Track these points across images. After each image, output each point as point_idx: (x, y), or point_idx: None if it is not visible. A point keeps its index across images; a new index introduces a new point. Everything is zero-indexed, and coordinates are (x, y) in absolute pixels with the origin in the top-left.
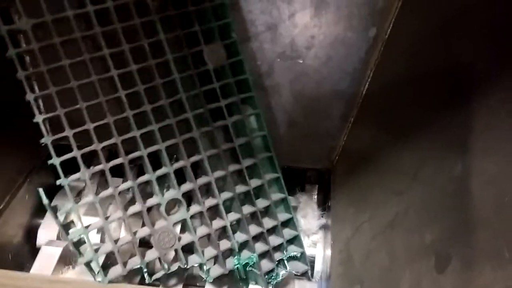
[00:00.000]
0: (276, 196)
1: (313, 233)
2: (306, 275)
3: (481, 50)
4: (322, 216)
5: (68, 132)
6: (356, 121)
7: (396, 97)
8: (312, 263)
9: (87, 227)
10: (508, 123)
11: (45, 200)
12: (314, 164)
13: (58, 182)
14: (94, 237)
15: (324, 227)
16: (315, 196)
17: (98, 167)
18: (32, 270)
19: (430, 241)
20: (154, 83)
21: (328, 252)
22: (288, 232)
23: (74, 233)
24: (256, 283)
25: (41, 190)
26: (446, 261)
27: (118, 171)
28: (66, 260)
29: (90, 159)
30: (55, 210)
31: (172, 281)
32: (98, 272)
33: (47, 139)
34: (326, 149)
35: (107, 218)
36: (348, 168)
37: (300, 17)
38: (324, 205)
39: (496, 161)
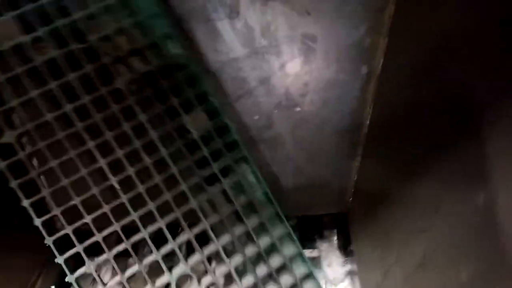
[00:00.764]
0: (290, 250)
1: (340, 281)
2: None
3: (475, 74)
4: (346, 262)
5: (68, 230)
6: (364, 159)
7: (401, 130)
8: None
9: None
10: None
11: None
12: (329, 209)
13: (66, 279)
14: None
15: (350, 273)
16: (336, 242)
17: (102, 258)
18: None
19: (467, 279)
20: (144, 164)
21: None
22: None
23: None
24: None
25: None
26: None
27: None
28: None
29: (98, 247)
30: None
31: None
32: None
33: (48, 240)
34: (338, 191)
35: None
36: (364, 208)
37: (290, 66)
38: (346, 249)
39: None
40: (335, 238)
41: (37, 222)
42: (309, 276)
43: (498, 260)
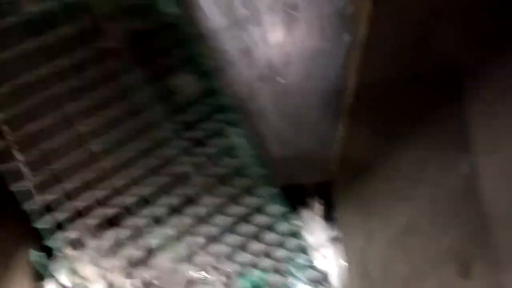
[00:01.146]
0: (276, 211)
1: (323, 247)
2: (321, 282)
3: (463, 45)
4: (329, 229)
5: (47, 196)
6: (348, 129)
7: (386, 100)
8: (325, 276)
9: (86, 280)
10: (507, 117)
11: (37, 262)
12: (314, 178)
13: (47, 243)
14: None
15: (333, 240)
16: (319, 210)
17: (83, 223)
18: None
19: (448, 245)
20: (131, 125)
21: (341, 263)
22: (294, 243)
23: None
24: None
25: (34, 252)
26: (469, 265)
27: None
28: None
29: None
30: (50, 272)
31: None
32: None
33: (27, 206)
34: (323, 161)
35: (108, 270)
36: (348, 177)
37: (272, 36)
38: (329, 217)
39: (503, 157)
40: (318, 206)
41: (14, 188)
42: (294, 233)
43: (479, 225)
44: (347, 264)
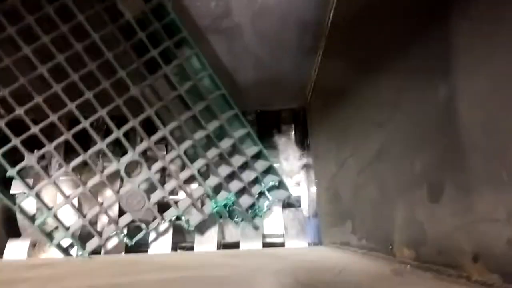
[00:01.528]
0: (239, 132)
1: (296, 173)
2: (289, 201)
3: None
4: (303, 156)
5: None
6: (326, 53)
7: (365, 22)
8: (298, 202)
9: (50, 208)
10: (494, 34)
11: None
12: (288, 104)
13: (7, 174)
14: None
15: (306, 166)
16: (293, 137)
17: (42, 150)
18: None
19: (420, 170)
20: (74, 50)
21: (313, 190)
22: (260, 164)
23: (39, 218)
24: (242, 219)
25: None
26: (440, 189)
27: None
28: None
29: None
30: (13, 200)
31: (160, 241)
32: (76, 247)
33: None
34: (298, 86)
35: (68, 196)
36: (323, 103)
37: None
38: (303, 144)
39: (484, 80)
40: (293, 133)
41: None
42: (259, 154)
43: (453, 150)
44: (318, 189)
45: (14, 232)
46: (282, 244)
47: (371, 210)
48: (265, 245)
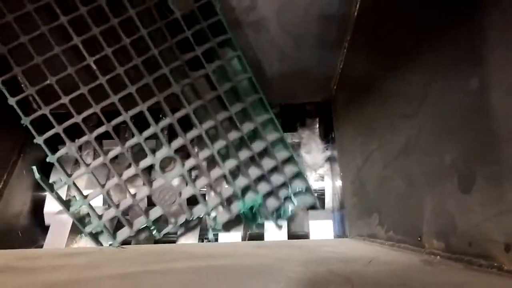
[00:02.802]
0: (272, 136)
1: (320, 167)
2: (316, 207)
3: None
4: (327, 149)
5: (45, 110)
6: (351, 46)
7: (392, 13)
8: (322, 196)
9: (85, 197)
10: None
11: (37, 176)
12: (313, 97)
13: (48, 159)
14: (99, 209)
15: (330, 159)
16: (317, 130)
17: (83, 139)
18: (46, 245)
19: (450, 162)
20: (122, 43)
21: (337, 183)
22: (289, 169)
23: (74, 206)
24: (267, 220)
25: (34, 168)
26: (471, 180)
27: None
28: (78, 229)
29: (80, 129)
30: (51, 186)
31: (188, 234)
32: (108, 236)
33: (25, 120)
34: (323, 79)
35: (104, 186)
36: (349, 96)
37: None
38: (327, 137)
39: None
40: (317, 126)
41: (11, 101)
42: (290, 159)
43: (483, 142)
44: (344, 182)
45: (40, 223)
46: (307, 236)
47: (398, 203)
48: (290, 236)
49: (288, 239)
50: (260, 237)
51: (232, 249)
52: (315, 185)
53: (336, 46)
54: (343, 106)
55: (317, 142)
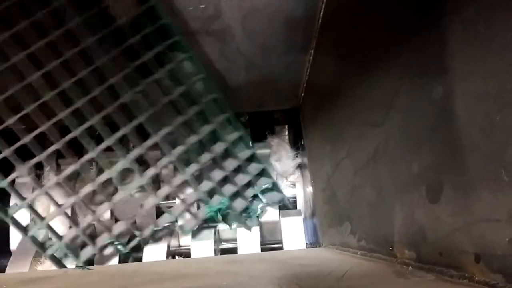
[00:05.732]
0: (232, 136)
1: (291, 174)
2: (284, 203)
3: None
4: (297, 156)
5: None
6: (317, 53)
7: (357, 20)
8: (294, 203)
9: (43, 219)
10: (488, 35)
11: None
12: (281, 104)
13: (0, 185)
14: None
15: (300, 166)
16: (287, 137)
17: (33, 161)
18: (9, 267)
19: (418, 171)
20: (65, 57)
21: (309, 190)
22: (254, 167)
23: (32, 230)
24: (238, 222)
25: None
26: (438, 190)
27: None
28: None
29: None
30: (5, 212)
31: (156, 248)
32: (71, 257)
33: None
34: (291, 86)
35: (61, 205)
36: (316, 103)
37: None
38: (297, 144)
39: (480, 79)
40: (286, 133)
41: None
42: (252, 156)
43: (451, 151)
44: (315, 190)
45: (5, 246)
46: (280, 243)
47: (369, 211)
48: (263, 245)
49: (261, 248)
50: (233, 247)
51: (203, 267)
52: (287, 192)
53: (302, 53)
54: (311, 113)
55: (287, 150)
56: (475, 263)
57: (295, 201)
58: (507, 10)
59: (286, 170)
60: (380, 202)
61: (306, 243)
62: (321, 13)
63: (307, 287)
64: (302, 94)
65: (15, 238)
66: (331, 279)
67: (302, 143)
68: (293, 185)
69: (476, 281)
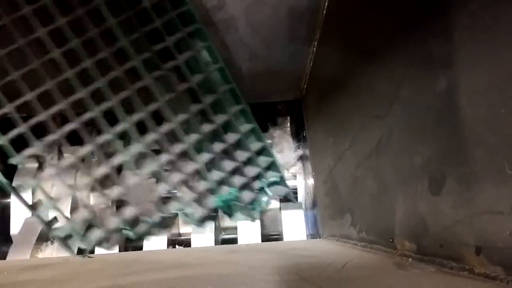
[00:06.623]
0: (245, 127)
1: (292, 166)
2: (289, 197)
3: None
4: (298, 148)
5: (9, 107)
6: (321, 44)
7: (362, 12)
8: (295, 195)
9: (53, 199)
10: (495, 28)
11: (5, 181)
12: (283, 96)
13: (9, 161)
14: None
15: (301, 158)
16: (289, 129)
17: (50, 137)
18: (10, 254)
19: (421, 163)
20: (89, 35)
21: (310, 181)
22: (263, 160)
23: (43, 209)
24: (242, 214)
25: None
26: (441, 182)
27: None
28: (43, 237)
29: (46, 129)
30: (16, 190)
31: (162, 231)
32: (78, 239)
33: None
34: (294, 78)
35: (73, 187)
36: (319, 95)
37: None
38: (298, 136)
39: (485, 72)
40: (288, 124)
41: None
42: (263, 149)
43: (454, 143)
44: (316, 182)
45: (6, 234)
46: (280, 235)
47: (370, 203)
48: (264, 236)
49: (261, 238)
50: (233, 237)
51: (204, 256)
52: (288, 184)
53: (305, 44)
54: (313, 105)
55: (288, 141)
56: (476, 255)
57: (296, 193)
58: None
59: (288, 161)
60: (382, 194)
61: (306, 234)
62: (326, 4)
63: (307, 277)
64: (305, 86)
65: (16, 224)
66: (331, 270)
67: (304, 134)
68: (295, 176)
69: (476, 273)
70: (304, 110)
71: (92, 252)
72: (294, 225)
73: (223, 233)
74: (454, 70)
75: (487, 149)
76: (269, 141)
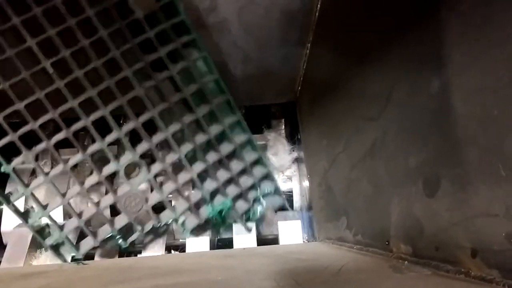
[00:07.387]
0: (240, 138)
1: (287, 168)
2: (284, 208)
3: None
4: (293, 150)
5: None
6: (314, 46)
7: (355, 14)
8: (290, 198)
9: (45, 207)
10: (486, 30)
11: None
12: (277, 98)
13: (1, 169)
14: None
15: (297, 160)
16: (283, 131)
17: (40, 146)
18: (3, 262)
19: (415, 165)
20: (80, 45)
21: (305, 184)
22: (258, 171)
23: (34, 217)
24: (236, 222)
25: None
26: (436, 184)
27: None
28: (37, 244)
29: (35, 138)
30: (7, 198)
31: (154, 243)
32: (70, 248)
33: None
34: (287, 80)
35: (64, 195)
36: (313, 97)
37: None
38: (293, 138)
39: (477, 73)
40: (283, 127)
41: None
42: (258, 160)
43: (448, 146)
44: (311, 184)
45: None
46: (276, 238)
47: (365, 206)
48: (259, 240)
49: (257, 242)
50: (229, 241)
51: (199, 261)
52: (283, 186)
53: (299, 46)
54: (307, 107)
55: (283, 144)
56: (472, 258)
57: (292, 196)
58: (506, 2)
59: (283, 164)
60: (377, 197)
61: (302, 237)
62: (318, 6)
63: (303, 282)
64: (299, 88)
65: (7, 230)
66: (327, 273)
67: (299, 137)
68: (289, 179)
69: (472, 276)
70: (298, 112)
71: (87, 258)
72: (290, 233)
73: (218, 236)
74: (447, 71)
75: (480, 151)
76: (263, 142)
